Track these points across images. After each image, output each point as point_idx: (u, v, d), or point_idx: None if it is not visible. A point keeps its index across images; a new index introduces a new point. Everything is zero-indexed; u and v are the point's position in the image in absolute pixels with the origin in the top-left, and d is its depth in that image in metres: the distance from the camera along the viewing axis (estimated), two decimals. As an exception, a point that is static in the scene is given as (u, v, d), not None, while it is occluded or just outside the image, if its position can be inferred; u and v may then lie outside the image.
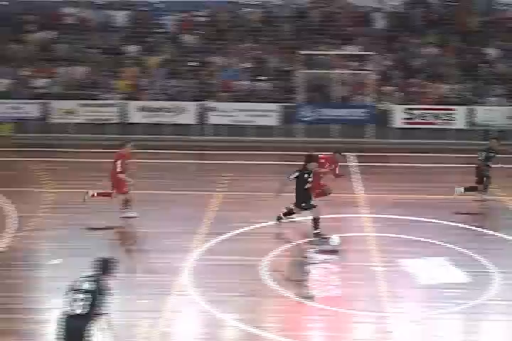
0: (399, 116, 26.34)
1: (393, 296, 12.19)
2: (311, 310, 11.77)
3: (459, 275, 13.02)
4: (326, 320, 11.47)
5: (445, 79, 27.30)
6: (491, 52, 28.30)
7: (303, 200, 14.71)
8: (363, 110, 26.41)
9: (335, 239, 14.20)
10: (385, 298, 12.07)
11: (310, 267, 13.65)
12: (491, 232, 15.37)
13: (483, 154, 17.22)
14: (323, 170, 16.37)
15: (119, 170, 15.53)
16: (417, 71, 27.70)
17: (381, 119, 26.28)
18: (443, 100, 26.69)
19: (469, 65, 27.78)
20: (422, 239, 14.70)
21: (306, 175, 14.62)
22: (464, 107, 26.20)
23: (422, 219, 16.07)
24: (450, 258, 13.70)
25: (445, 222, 15.83)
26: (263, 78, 27.55)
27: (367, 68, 26.83)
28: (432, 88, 26.97)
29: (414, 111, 26.36)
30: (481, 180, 17.24)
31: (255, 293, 12.18)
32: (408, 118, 26.33)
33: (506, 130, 25.57)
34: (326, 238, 14.36)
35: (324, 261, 13.85)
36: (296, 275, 13.15)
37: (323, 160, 16.21)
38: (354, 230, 15.55)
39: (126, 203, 15.95)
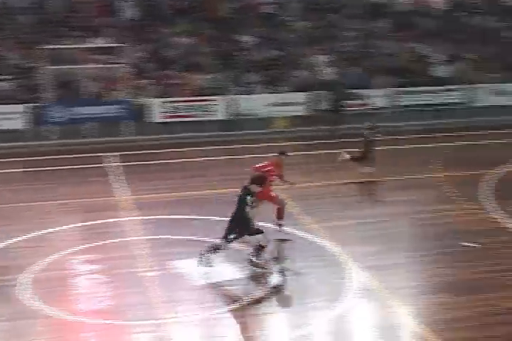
0: (157, 110, 26.56)
1: (168, 301, 12.25)
2: (83, 326, 11.50)
3: (234, 272, 13.38)
4: (100, 335, 11.26)
5: (202, 69, 27.92)
6: (246, 39, 29.38)
7: (243, 226, 13.32)
8: (118, 106, 26.29)
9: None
10: (160, 304, 12.12)
11: (75, 280, 13.36)
12: (265, 225, 15.90)
13: (367, 132, 20.53)
14: (271, 178, 15.28)
15: None
16: (172, 62, 28.08)
17: (139, 115, 26.36)
18: (202, 91, 27.28)
19: (225, 53, 28.65)
20: (192, 238, 14.91)
21: (248, 197, 13.28)
22: (224, 97, 26.98)
23: (189, 216, 16.31)
24: (223, 255, 14.03)
25: (214, 218, 16.10)
26: (3, 77, 26.52)
27: (118, 61, 26.73)
28: (190, 79, 27.47)
29: (173, 104, 26.70)
30: (366, 155, 20.26)
31: (16, 316, 11.69)
32: (167, 112, 26.62)
33: (266, 117, 26.75)
34: (260, 270, 13.41)
35: (90, 272, 13.60)
36: (61, 291, 12.79)
37: (270, 167, 15.28)
38: (120, 235, 15.39)
39: None
